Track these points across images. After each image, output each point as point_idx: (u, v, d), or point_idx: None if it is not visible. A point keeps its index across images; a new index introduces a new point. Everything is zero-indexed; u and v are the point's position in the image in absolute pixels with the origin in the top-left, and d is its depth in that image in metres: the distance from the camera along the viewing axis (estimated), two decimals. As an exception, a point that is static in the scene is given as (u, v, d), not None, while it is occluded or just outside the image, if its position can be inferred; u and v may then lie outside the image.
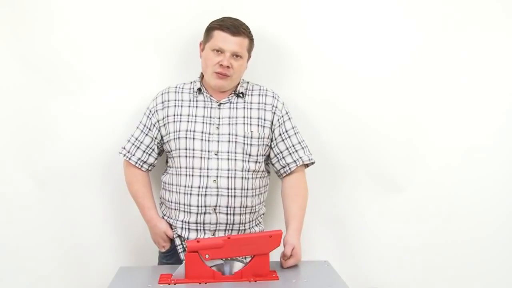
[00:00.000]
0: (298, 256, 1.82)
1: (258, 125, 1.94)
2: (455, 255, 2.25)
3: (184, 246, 1.91)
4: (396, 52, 2.17)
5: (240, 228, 1.92)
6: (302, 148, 1.98)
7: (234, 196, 1.87)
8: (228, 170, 1.87)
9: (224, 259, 1.70)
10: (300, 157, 1.97)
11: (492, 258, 2.26)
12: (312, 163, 2.01)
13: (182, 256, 1.92)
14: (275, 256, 1.78)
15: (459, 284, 2.25)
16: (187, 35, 2.08)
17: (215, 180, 1.86)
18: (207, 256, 1.62)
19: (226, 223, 1.88)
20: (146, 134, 1.96)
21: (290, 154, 1.97)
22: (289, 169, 1.97)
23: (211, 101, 1.95)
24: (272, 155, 1.98)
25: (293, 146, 1.97)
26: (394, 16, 2.16)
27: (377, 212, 2.23)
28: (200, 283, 1.62)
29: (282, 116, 1.98)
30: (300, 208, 1.93)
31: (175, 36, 2.11)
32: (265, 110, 1.96)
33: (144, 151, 1.96)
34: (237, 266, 1.71)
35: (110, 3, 2.09)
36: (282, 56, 2.16)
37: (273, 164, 2.00)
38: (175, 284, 1.62)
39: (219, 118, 1.92)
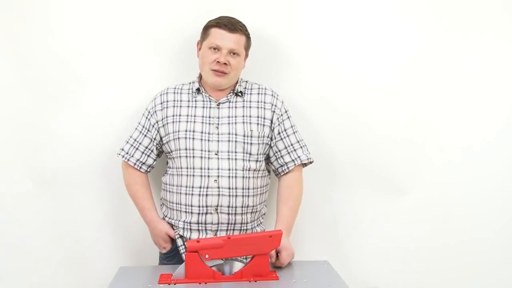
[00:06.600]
0: (289, 251, 1.79)
1: (258, 123, 1.93)
2: (456, 255, 2.24)
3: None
4: (396, 52, 2.16)
5: (242, 228, 1.92)
6: (301, 147, 1.98)
7: (236, 195, 1.87)
8: (229, 169, 1.87)
9: (224, 259, 1.70)
10: (299, 156, 1.97)
11: (494, 258, 2.25)
12: (311, 163, 2.00)
13: (184, 256, 1.92)
14: (275, 256, 1.78)
15: (461, 284, 2.24)
16: (186, 35, 2.08)
17: (216, 180, 1.86)
18: (207, 256, 1.62)
19: (228, 223, 1.88)
20: (145, 135, 1.96)
21: (288, 153, 1.96)
22: (287, 168, 1.96)
23: (210, 101, 1.94)
24: (271, 153, 1.98)
25: (292, 145, 1.97)
26: (393, 16, 2.16)
27: (377, 212, 2.23)
28: (200, 283, 1.62)
29: (282, 115, 1.97)
30: (289, 210, 1.93)
31: (174, 37, 2.11)
32: (264, 108, 1.96)
33: (142, 152, 1.96)
34: (237, 266, 1.71)
35: (110, 3, 2.10)
36: (280, 56, 2.15)
37: (271, 163, 1.99)
38: (175, 284, 1.62)
39: (219, 117, 1.92)
